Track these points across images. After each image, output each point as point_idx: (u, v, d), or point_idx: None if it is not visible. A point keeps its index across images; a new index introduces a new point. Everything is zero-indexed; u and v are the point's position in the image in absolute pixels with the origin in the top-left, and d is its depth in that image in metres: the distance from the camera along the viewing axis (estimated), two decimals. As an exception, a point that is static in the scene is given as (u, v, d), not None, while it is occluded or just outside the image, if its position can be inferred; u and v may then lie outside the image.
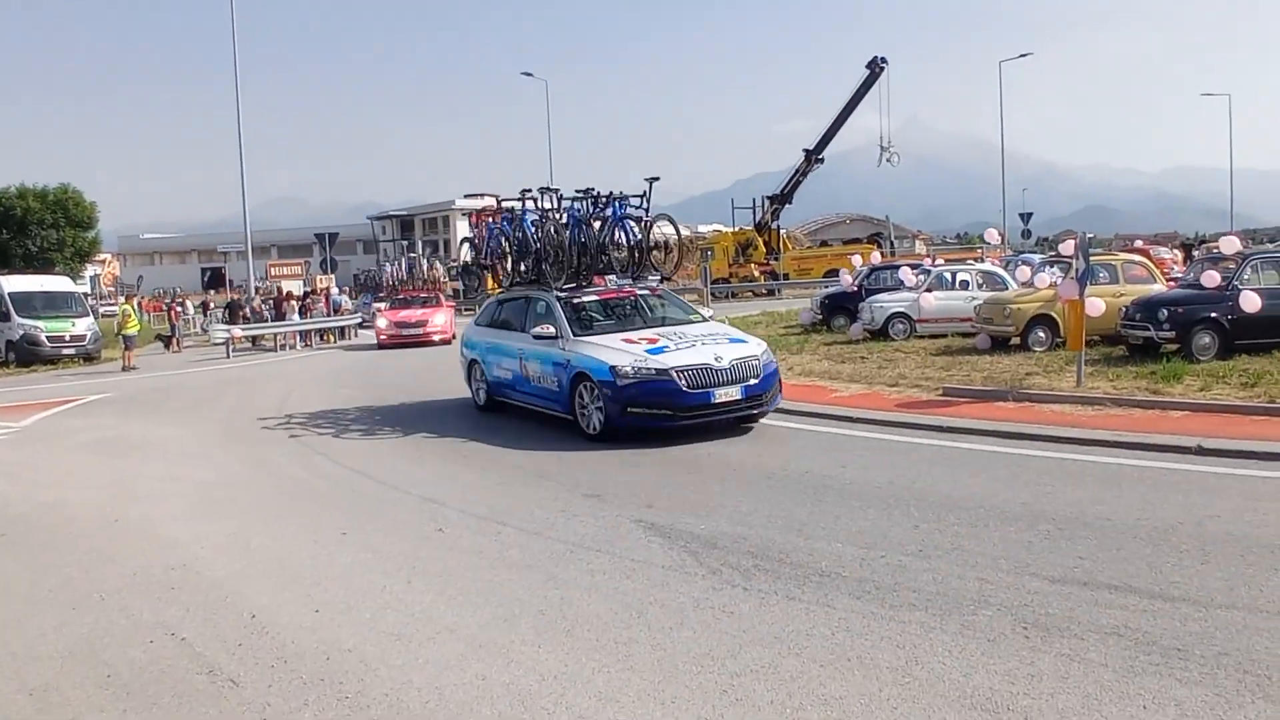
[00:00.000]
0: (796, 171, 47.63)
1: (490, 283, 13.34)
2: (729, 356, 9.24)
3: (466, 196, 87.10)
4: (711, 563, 5.29)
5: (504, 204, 12.80)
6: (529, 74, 52.00)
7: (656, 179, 11.44)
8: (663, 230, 11.78)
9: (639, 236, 11.43)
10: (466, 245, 13.84)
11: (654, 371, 9.03)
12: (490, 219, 13.17)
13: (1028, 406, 9.74)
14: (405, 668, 4.03)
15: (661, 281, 11.68)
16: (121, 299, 34.90)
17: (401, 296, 29.88)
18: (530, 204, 11.76)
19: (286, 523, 6.79)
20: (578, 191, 11.65)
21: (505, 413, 11.46)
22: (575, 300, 10.60)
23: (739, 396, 9.17)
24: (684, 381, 8.99)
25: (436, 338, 24.68)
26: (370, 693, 3.81)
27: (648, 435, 9.10)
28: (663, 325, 10.22)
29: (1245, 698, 3.39)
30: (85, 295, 30.87)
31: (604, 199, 11.44)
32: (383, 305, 29.75)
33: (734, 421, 9.58)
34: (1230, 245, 12.88)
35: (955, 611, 4.37)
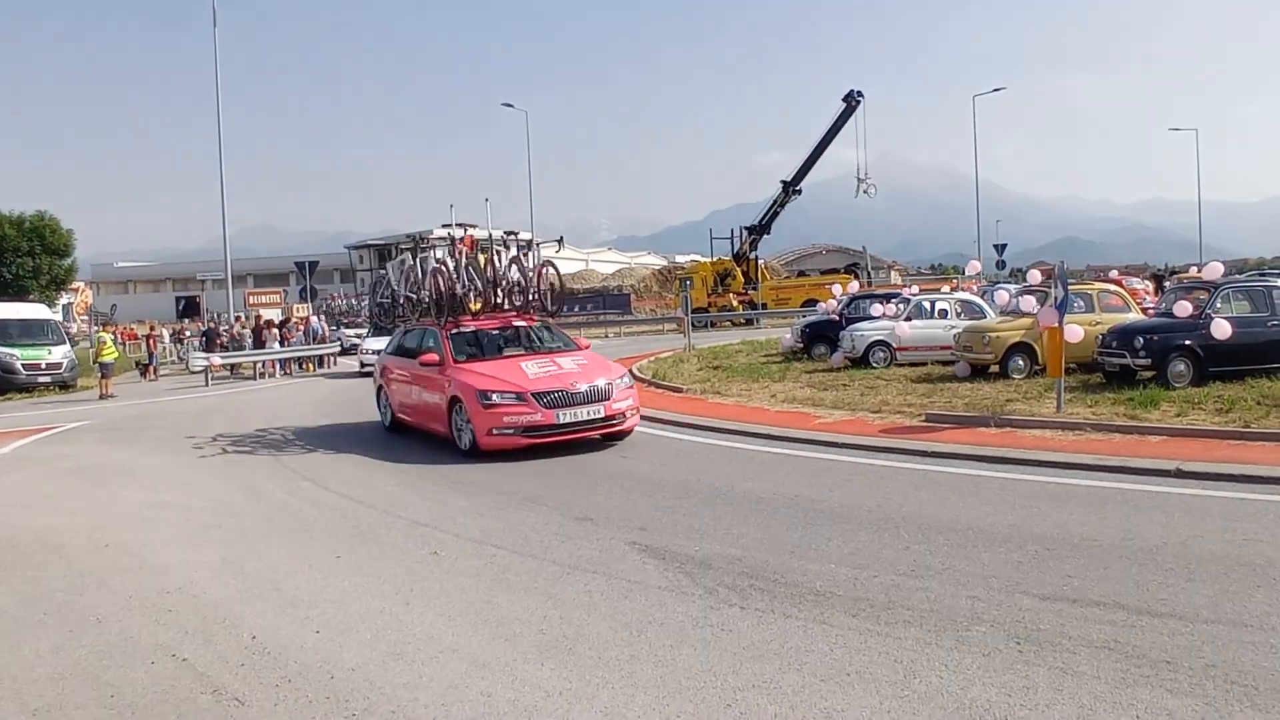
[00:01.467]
0: (774, 203, 48.17)
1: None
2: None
3: (444, 226, 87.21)
4: (707, 583, 5.36)
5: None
6: (509, 105, 52.46)
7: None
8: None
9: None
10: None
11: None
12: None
13: (1010, 432, 9.90)
14: (410, 686, 4.07)
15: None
16: (98, 327, 34.61)
17: (467, 330, 12.73)
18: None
19: (279, 547, 6.78)
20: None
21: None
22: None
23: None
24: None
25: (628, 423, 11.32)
26: (377, 710, 3.84)
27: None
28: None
29: (1234, 707, 3.51)
30: (61, 323, 30.57)
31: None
32: (376, 343, 22.27)
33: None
34: (1214, 271, 13.21)
35: (950, 628, 4.46)
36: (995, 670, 3.94)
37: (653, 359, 22.12)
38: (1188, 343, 11.75)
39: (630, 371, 13.02)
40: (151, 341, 30.34)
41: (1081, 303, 14.53)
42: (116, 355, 23.73)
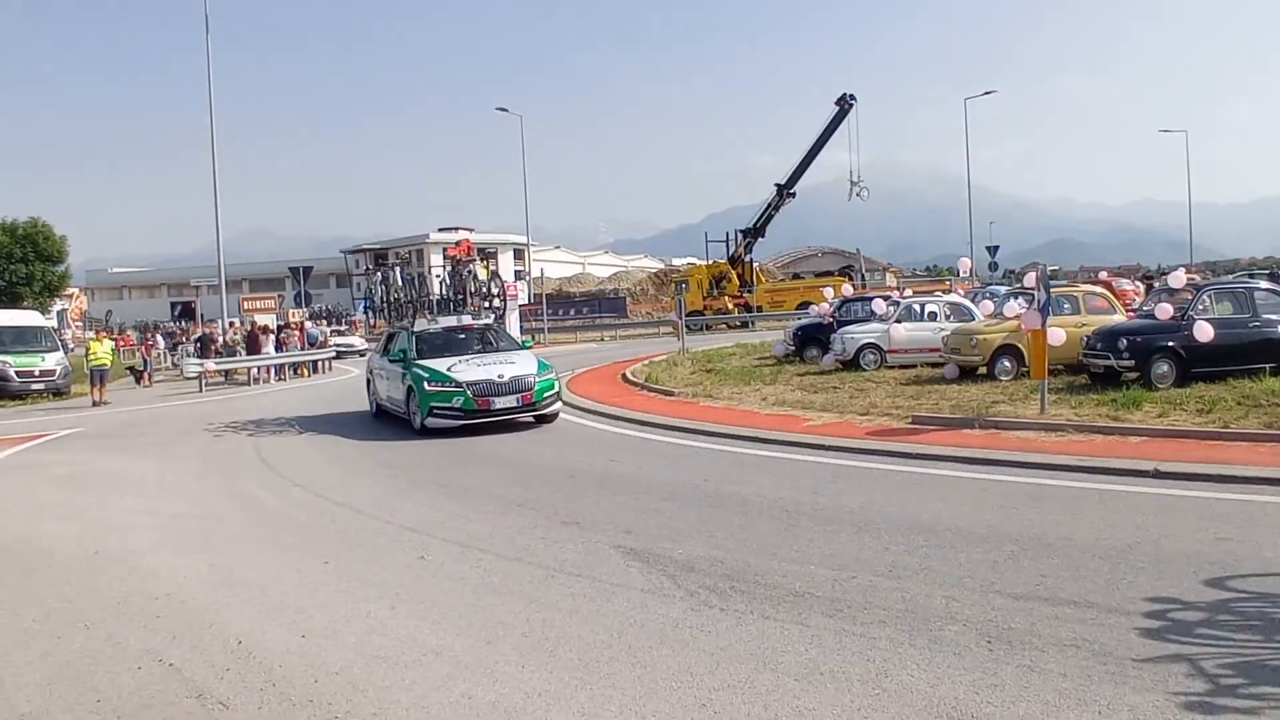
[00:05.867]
0: (769, 205, 48.31)
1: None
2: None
3: (441, 230, 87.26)
4: (689, 585, 5.44)
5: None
6: (504, 109, 52.53)
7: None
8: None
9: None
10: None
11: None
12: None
13: (994, 433, 10.01)
14: (392, 688, 4.14)
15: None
16: (91, 333, 34.63)
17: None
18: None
19: (267, 553, 6.85)
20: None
21: (466, 441, 11.58)
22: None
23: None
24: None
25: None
26: (359, 712, 3.91)
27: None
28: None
29: (1194, 700, 3.59)
30: (55, 330, 30.57)
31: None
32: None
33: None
34: (1178, 280, 13.37)
35: (923, 627, 4.55)
36: (965, 668, 4.03)
37: (646, 362, 22.19)
38: (1170, 344, 11.85)
39: (624, 375, 13.24)
40: (146, 347, 30.38)
41: (1068, 305, 14.68)
42: (109, 361, 23.72)
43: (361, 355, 35.96)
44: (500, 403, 12.46)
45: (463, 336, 14.44)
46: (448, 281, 16.05)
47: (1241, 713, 3.50)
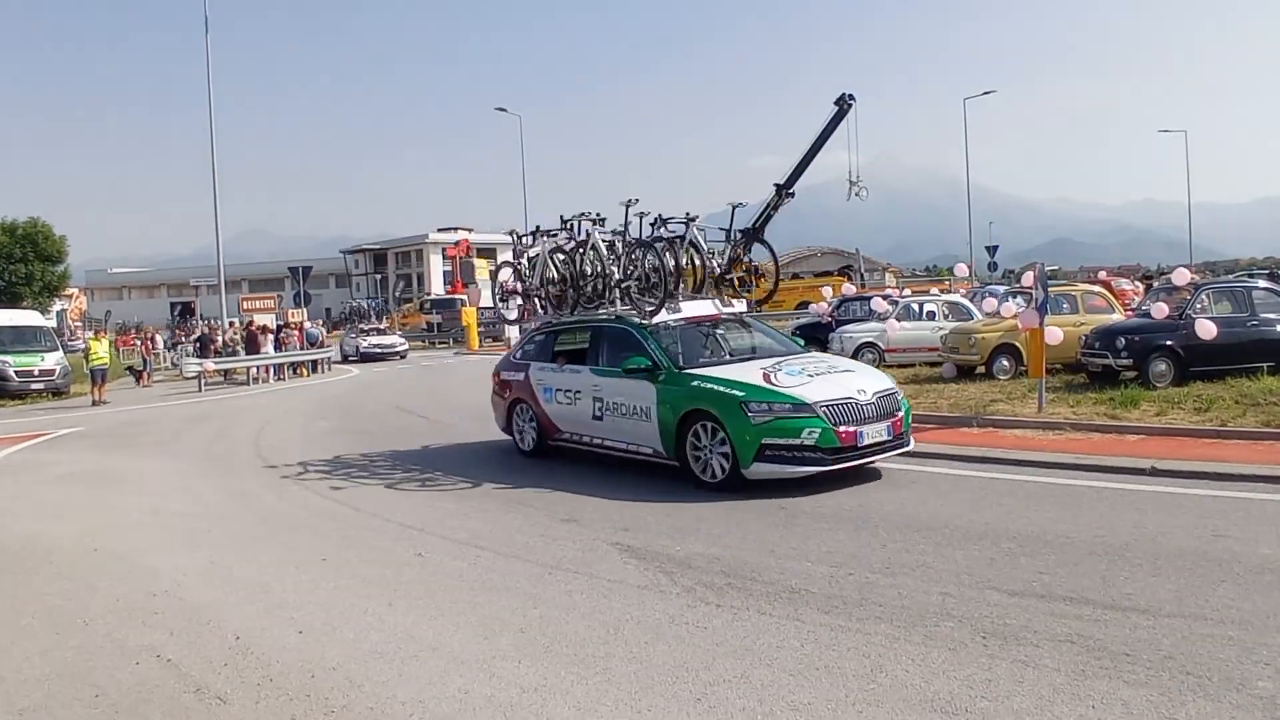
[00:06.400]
0: (768, 205, 48.17)
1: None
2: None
3: (440, 230, 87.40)
4: (686, 582, 5.46)
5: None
6: (503, 109, 52.52)
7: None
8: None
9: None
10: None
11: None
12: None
13: (992, 432, 10.03)
14: (389, 684, 4.16)
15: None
16: (90, 334, 34.66)
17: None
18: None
19: (267, 551, 6.87)
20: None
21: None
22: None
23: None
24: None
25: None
26: (355, 708, 3.93)
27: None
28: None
29: (1187, 697, 3.61)
30: (54, 330, 30.62)
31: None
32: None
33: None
34: (1181, 277, 13.36)
35: (919, 624, 4.57)
36: (960, 664, 4.05)
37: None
38: (1169, 343, 11.87)
39: None
40: (146, 347, 30.41)
41: (1067, 304, 14.73)
42: (108, 361, 23.74)
43: (403, 359, 34.82)
44: (869, 434, 7.85)
45: (720, 333, 9.72)
46: (619, 256, 10.15)
47: (1237, 708, 3.51)
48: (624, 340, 9.23)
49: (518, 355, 11.12)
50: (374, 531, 7.31)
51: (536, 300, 11.20)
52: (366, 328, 39.67)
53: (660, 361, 8.67)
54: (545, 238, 11.07)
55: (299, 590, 5.75)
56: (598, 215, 10.46)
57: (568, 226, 10.82)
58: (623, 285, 9.79)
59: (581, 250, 10.43)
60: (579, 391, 9.59)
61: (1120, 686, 3.72)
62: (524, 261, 11.52)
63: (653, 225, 9.99)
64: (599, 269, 10.12)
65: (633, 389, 8.79)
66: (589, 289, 10.29)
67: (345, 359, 35.24)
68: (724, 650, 4.35)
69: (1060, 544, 5.82)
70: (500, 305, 12.53)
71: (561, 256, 10.80)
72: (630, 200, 9.87)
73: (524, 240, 11.52)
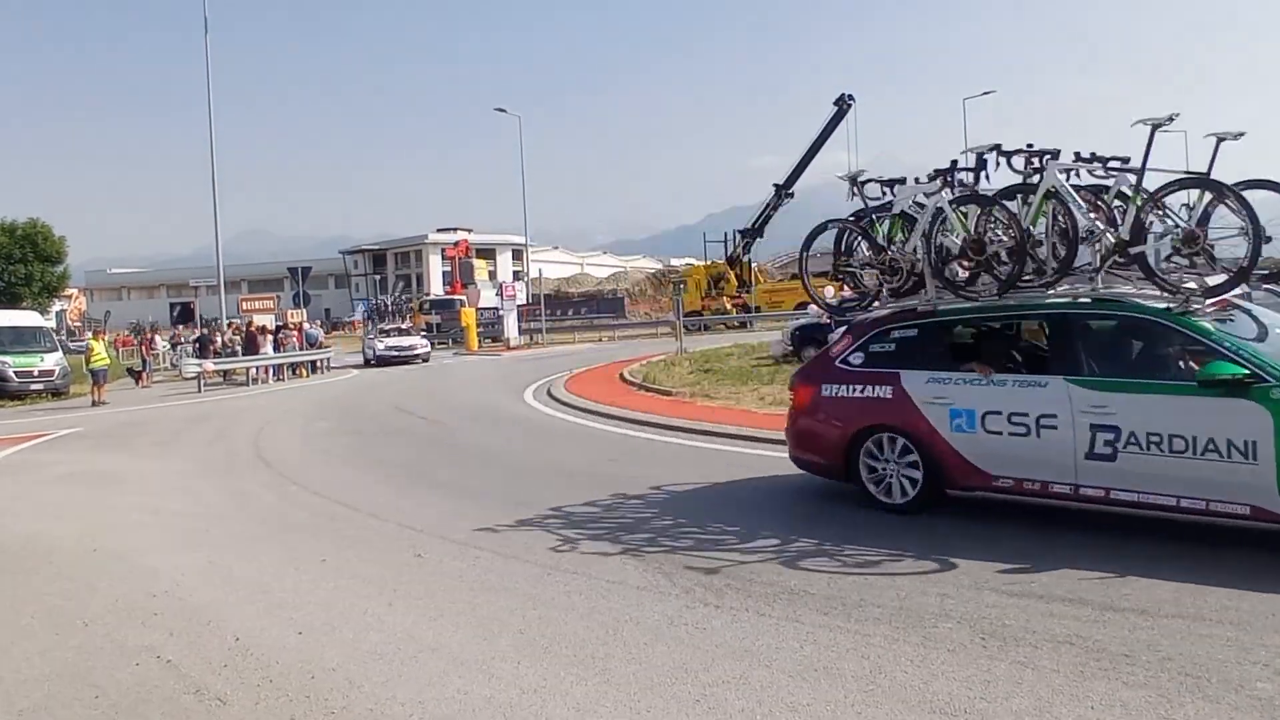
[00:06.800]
0: (767, 206, 48.35)
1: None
2: None
3: (440, 231, 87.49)
4: (685, 583, 5.46)
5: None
6: (502, 110, 52.63)
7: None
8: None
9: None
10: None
11: None
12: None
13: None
14: (388, 684, 4.16)
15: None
16: (89, 334, 34.67)
17: None
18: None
19: (266, 551, 6.87)
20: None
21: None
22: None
23: None
24: None
25: None
26: (354, 708, 3.93)
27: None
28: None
29: (1185, 698, 3.62)
30: (54, 330, 30.63)
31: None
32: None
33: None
34: None
35: (917, 625, 4.57)
36: (959, 665, 4.05)
37: (644, 363, 22.22)
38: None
39: (622, 375, 12.88)
40: (146, 348, 30.43)
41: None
42: (109, 361, 23.76)
43: (425, 362, 32.05)
44: None
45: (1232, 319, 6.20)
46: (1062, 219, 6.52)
47: (1236, 709, 3.52)
48: (1152, 336, 6.18)
49: (856, 359, 7.45)
50: (372, 532, 7.31)
51: (877, 276, 7.64)
52: (387, 327, 36.22)
53: (1267, 369, 5.50)
54: (948, 187, 7.16)
55: (298, 591, 5.75)
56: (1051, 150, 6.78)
57: (953, 175, 7.18)
58: (1133, 251, 6.18)
59: (1026, 201, 6.77)
60: (1044, 415, 6.23)
61: (1119, 688, 3.73)
62: (884, 222, 7.70)
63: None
64: (1067, 226, 6.45)
65: (1208, 412, 5.58)
66: (1052, 257, 6.59)
67: (366, 363, 32.60)
68: (723, 652, 4.36)
69: (1060, 543, 5.81)
70: (849, 283, 8.43)
71: (998, 212, 6.80)
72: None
73: (892, 190, 7.61)
